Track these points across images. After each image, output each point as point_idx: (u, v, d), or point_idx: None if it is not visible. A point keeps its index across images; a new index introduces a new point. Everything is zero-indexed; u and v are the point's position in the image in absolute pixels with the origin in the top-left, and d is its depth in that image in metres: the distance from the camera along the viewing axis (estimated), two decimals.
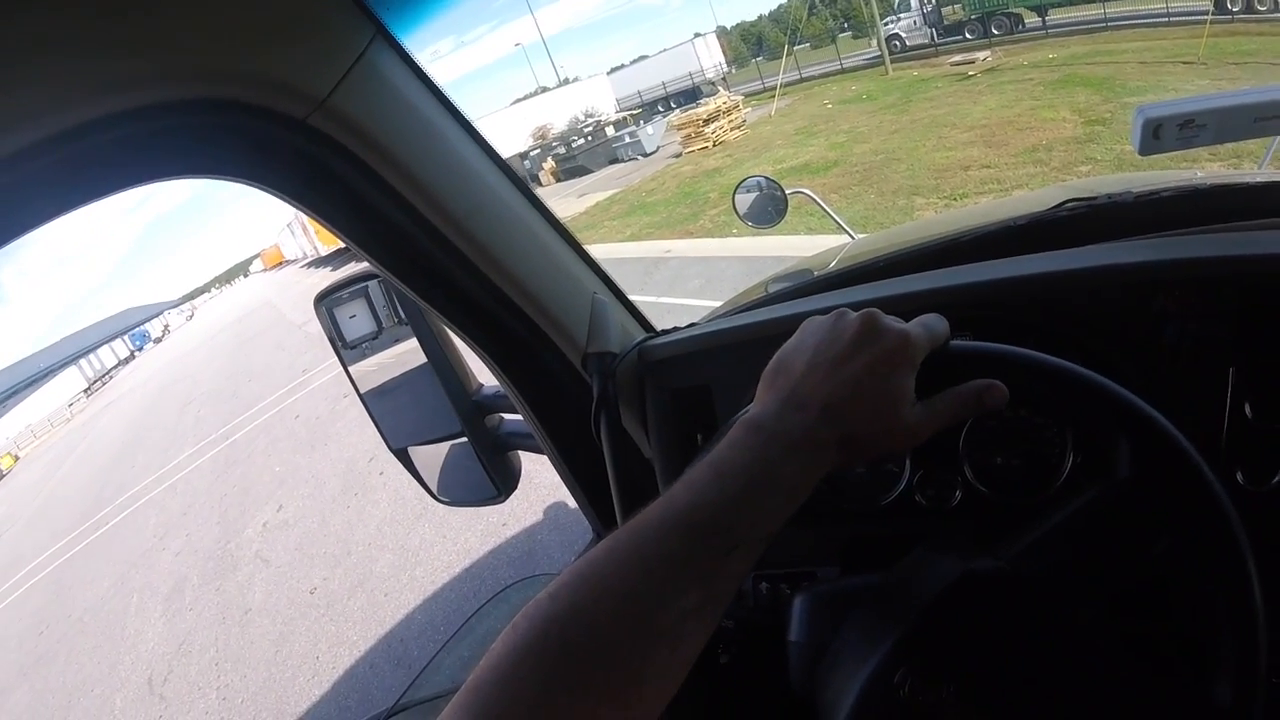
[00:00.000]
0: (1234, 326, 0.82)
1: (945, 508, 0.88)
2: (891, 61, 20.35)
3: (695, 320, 1.17)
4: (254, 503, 7.05)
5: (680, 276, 8.07)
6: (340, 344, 1.16)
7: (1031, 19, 20.44)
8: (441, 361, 1.09)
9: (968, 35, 21.28)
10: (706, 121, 17.13)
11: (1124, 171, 6.31)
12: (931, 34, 22.07)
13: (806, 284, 1.11)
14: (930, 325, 0.56)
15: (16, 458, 29.60)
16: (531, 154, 22.99)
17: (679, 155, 17.17)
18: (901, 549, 0.62)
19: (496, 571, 3.84)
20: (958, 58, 18.22)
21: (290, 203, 0.73)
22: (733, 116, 17.72)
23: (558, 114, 26.47)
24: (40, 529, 12.06)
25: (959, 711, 0.53)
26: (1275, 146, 1.74)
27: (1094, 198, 1.07)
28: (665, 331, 1.03)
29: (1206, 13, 15.07)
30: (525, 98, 31.69)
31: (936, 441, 0.79)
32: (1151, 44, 15.04)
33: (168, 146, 0.61)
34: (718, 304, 1.64)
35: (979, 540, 0.63)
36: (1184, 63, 12.70)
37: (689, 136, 17.15)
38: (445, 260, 0.83)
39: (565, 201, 16.24)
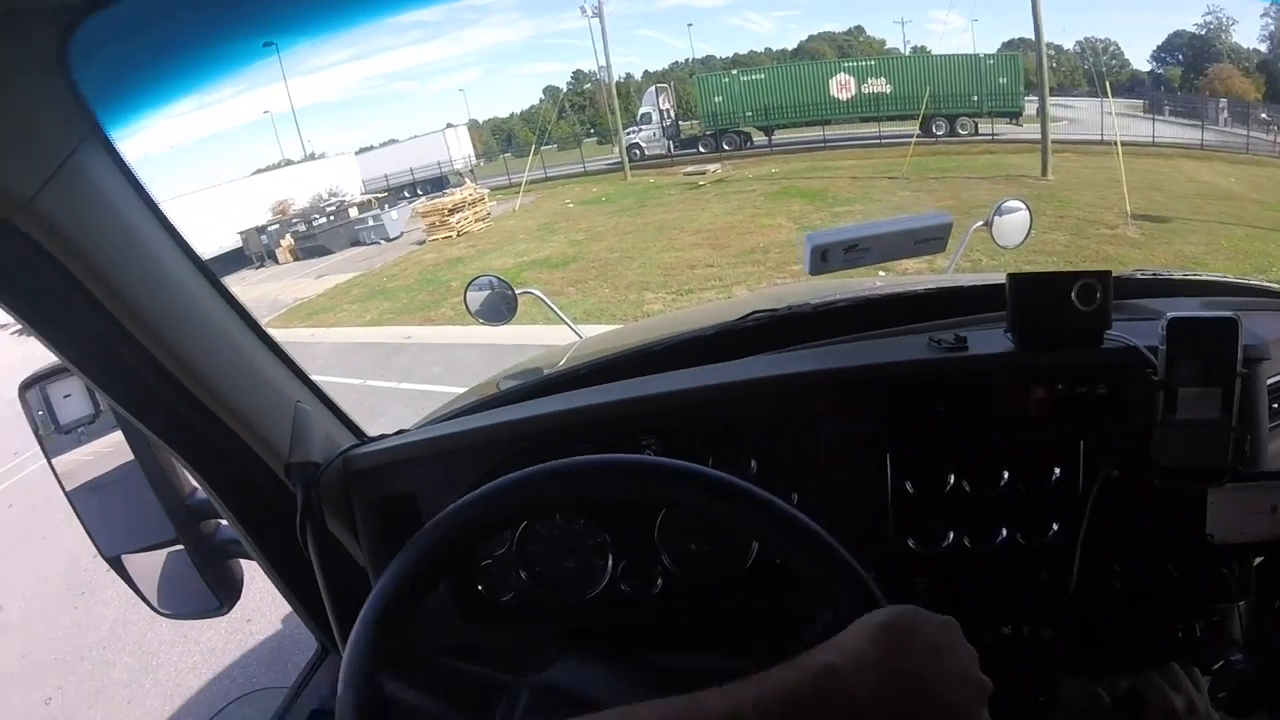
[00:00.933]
0: (885, 419, 0.94)
1: (649, 594, 0.95)
2: (631, 168, 22.12)
3: (435, 407, 1.26)
4: None
5: (420, 362, 8.05)
6: (51, 428, 1.07)
7: (759, 138, 23.49)
8: (151, 463, 1.04)
9: (701, 149, 23.85)
10: (452, 211, 17.38)
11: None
12: (669, 145, 24.31)
13: (532, 383, 1.19)
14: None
15: None
16: (269, 229, 21.47)
17: (422, 242, 17.15)
18: (615, 638, 0.70)
19: (246, 669, 3.60)
20: (690, 168, 20.16)
21: None
22: (478, 208, 18.13)
23: (301, 190, 25.12)
24: None
25: None
26: (957, 256, 2.00)
27: (776, 309, 1.18)
28: (374, 439, 1.04)
29: (913, 136, 18.16)
30: (269, 168, 29.74)
31: (634, 533, 0.93)
32: (863, 161, 17.60)
33: None
34: (457, 390, 1.75)
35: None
36: (890, 178, 14.85)
37: (434, 224, 17.22)
38: (145, 369, 0.81)
39: (302, 282, 15.41)
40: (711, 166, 19.92)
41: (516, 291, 1.88)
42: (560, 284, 10.68)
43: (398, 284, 13.13)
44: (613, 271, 10.98)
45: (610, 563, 0.94)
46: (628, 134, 24.97)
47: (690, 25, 42.86)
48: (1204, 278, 1.49)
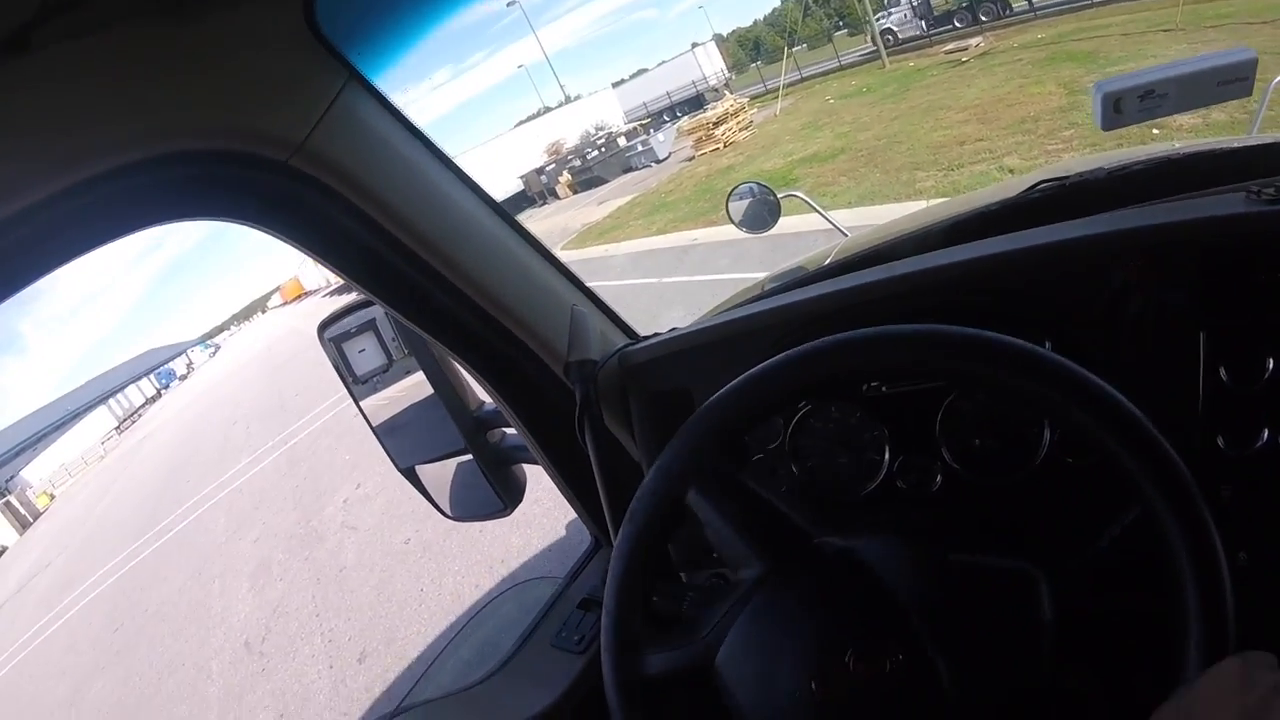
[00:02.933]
0: (1199, 291, 0.80)
1: (927, 493, 0.89)
2: (888, 55, 20.64)
3: (730, 294, 1.28)
4: (329, 486, 7.38)
5: (709, 258, 8.49)
6: (350, 380, 1.16)
7: (1019, 3, 20.72)
8: (442, 382, 1.10)
9: (957, 24, 21.62)
10: (715, 124, 17.55)
11: (1100, 142, 6.72)
12: (923, 25, 22.42)
13: (794, 280, 1.13)
14: None
15: (53, 495, 30.09)
16: (547, 169, 23.52)
17: (691, 159, 17.53)
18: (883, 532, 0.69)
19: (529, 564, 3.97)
20: (950, 46, 18.55)
21: (284, 239, 0.78)
22: (740, 118, 18.13)
23: (568, 130, 27.01)
24: (92, 551, 12.27)
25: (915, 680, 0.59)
26: (1263, 111, 1.73)
27: (1066, 177, 1.07)
28: (647, 337, 1.06)
29: None
30: (529, 119, 32.24)
31: (914, 426, 0.88)
32: (1134, 16, 15.26)
33: (169, 194, 0.68)
34: (750, 275, 1.80)
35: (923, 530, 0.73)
36: (1164, 31, 13.03)
37: (700, 140, 17.56)
38: (429, 285, 0.87)
39: (585, 210, 16.64)
40: (974, 41, 18.09)
41: (780, 196, 1.82)
42: (832, 175, 10.68)
43: (675, 197, 13.68)
44: (881, 157, 10.69)
45: (887, 457, 0.90)
46: (879, 19, 23.08)
47: None
48: None
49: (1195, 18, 13.19)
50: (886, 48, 21.28)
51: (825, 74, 23.77)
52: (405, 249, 0.83)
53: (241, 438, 13.67)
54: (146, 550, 9.79)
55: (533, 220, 18.35)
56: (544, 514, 3.81)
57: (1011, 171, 8.12)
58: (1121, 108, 1.00)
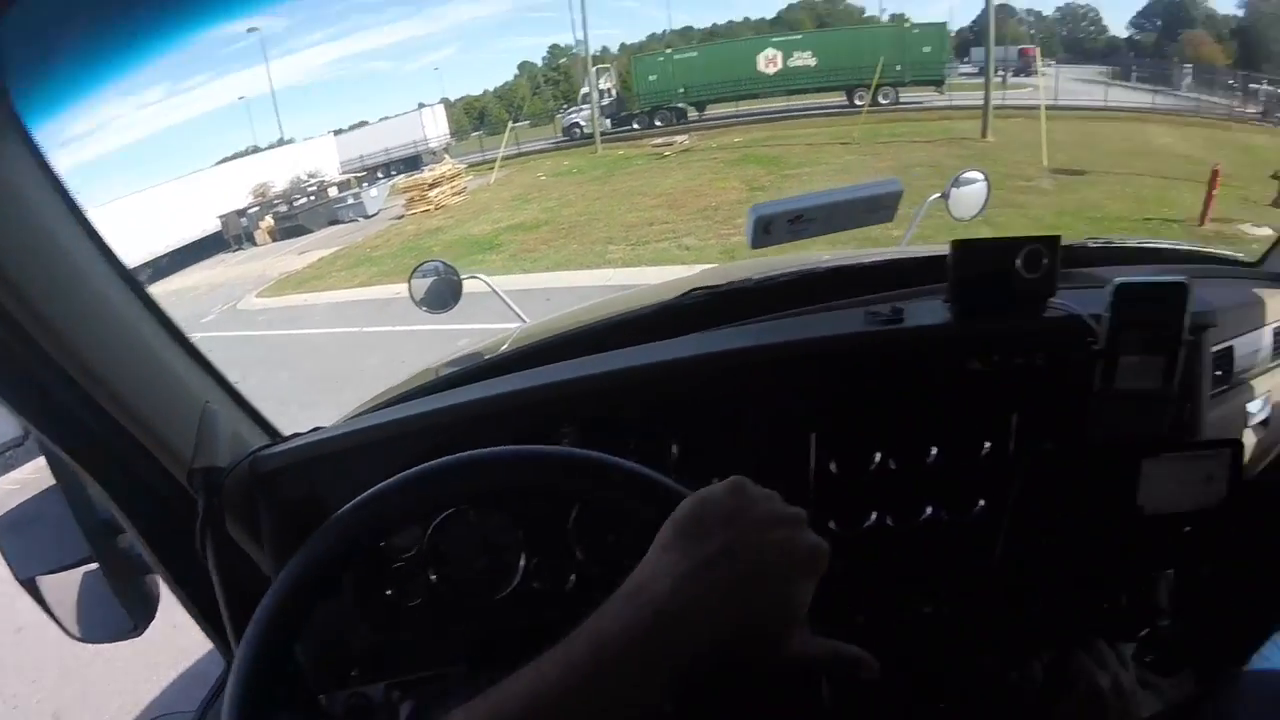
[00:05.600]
0: (814, 398, 0.91)
1: (560, 591, 0.90)
2: (602, 142, 22.68)
3: (425, 344, 1.51)
4: None
5: (412, 310, 8.48)
6: None
7: (692, 114, 24.76)
8: (68, 475, 0.96)
9: (636, 125, 25.18)
10: (431, 186, 17.99)
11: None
12: (608, 123, 25.22)
13: (462, 371, 1.13)
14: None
15: None
16: (249, 211, 21.95)
17: (402, 217, 17.81)
18: (525, 640, 0.61)
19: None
20: (659, 140, 20.93)
21: None
22: (455, 183, 18.75)
23: (279, 173, 25.55)
24: None
25: None
26: (915, 225, 1.92)
27: (718, 285, 1.14)
28: (287, 438, 0.99)
29: (859, 107, 19.53)
30: (236, 155, 29.96)
31: (549, 527, 0.90)
32: (820, 130, 18.60)
33: None
34: (452, 326, 1.80)
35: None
36: (841, 144, 15.95)
37: (413, 199, 17.92)
38: (39, 369, 0.74)
39: (285, 259, 15.81)
40: (679, 138, 20.67)
41: (462, 277, 1.79)
42: (534, 243, 11.71)
43: (382, 253, 13.93)
44: (581, 231, 11.99)
45: (523, 560, 0.90)
46: (568, 113, 26.21)
47: None
48: (1158, 245, 1.46)
49: (870, 135, 16.38)
50: (573, 140, 23.85)
51: (543, 151, 25.22)
52: (17, 328, 0.69)
53: None
54: None
55: (223, 266, 16.97)
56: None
57: (688, 249, 9.81)
58: (771, 229, 1.07)
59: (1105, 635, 0.97)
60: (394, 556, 0.90)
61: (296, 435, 0.99)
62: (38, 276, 0.68)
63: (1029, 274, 0.90)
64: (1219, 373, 1.12)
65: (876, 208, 1.13)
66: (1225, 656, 1.02)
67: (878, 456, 0.93)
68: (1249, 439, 1.20)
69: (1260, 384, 1.25)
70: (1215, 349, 1.09)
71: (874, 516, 0.94)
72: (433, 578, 0.91)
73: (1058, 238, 0.91)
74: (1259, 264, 1.41)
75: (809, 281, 1.16)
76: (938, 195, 1.83)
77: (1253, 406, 1.23)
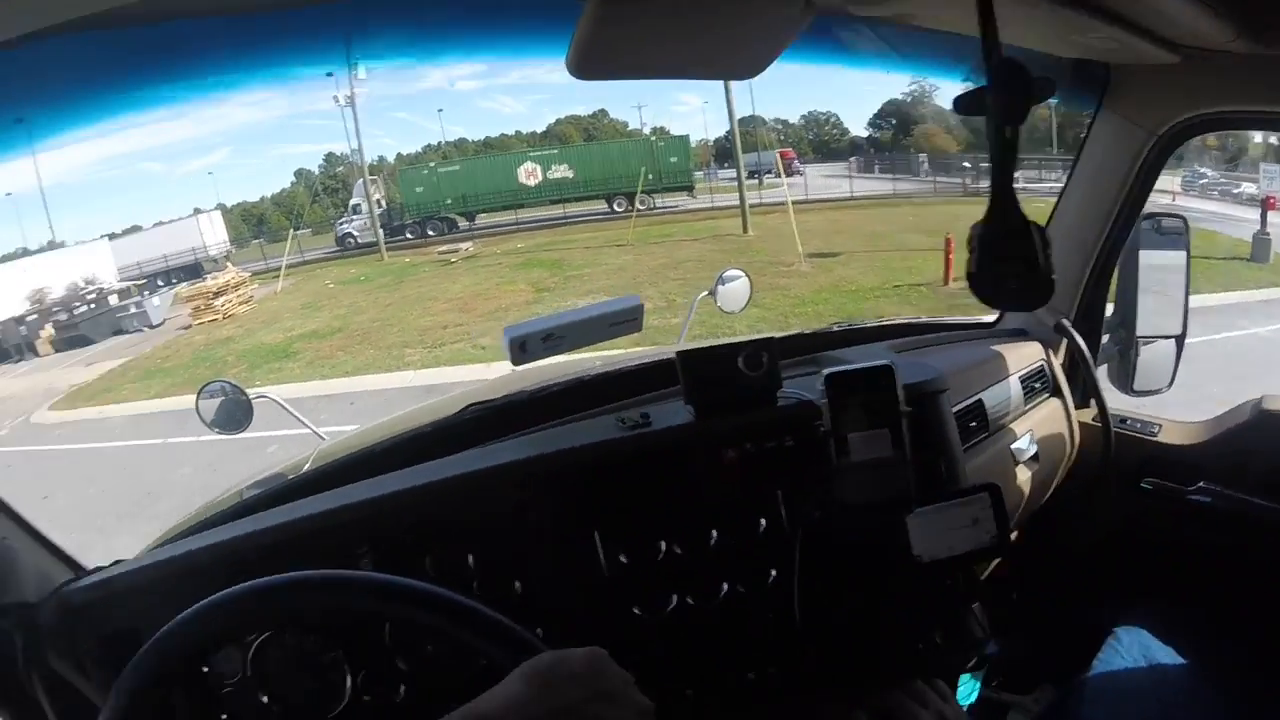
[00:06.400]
0: (587, 500, 0.98)
1: (392, 702, 0.91)
2: (387, 249, 23.37)
3: (237, 450, 1.93)
4: None
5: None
6: None
7: (464, 223, 26.24)
8: None
9: (409, 235, 26.23)
10: (216, 294, 17.65)
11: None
12: (381, 233, 25.30)
13: (266, 494, 1.15)
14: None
15: None
16: (28, 319, 20.11)
17: (189, 327, 17.26)
18: None
19: None
20: (444, 248, 21.81)
21: None
22: (241, 291, 18.47)
23: (54, 279, 24.21)
24: None
25: None
26: (688, 324, 2.06)
27: (493, 399, 1.25)
28: (91, 571, 0.98)
29: (620, 212, 21.31)
30: (3, 259, 27.68)
31: (368, 641, 0.92)
32: (596, 234, 20.20)
33: None
34: (256, 434, 1.84)
35: None
36: (617, 246, 17.40)
37: (199, 309, 17.43)
38: None
39: (71, 370, 15.16)
40: (464, 245, 21.68)
41: (251, 396, 1.77)
42: (330, 350, 12.01)
43: (173, 364, 13.70)
44: (376, 336, 12.46)
45: (348, 677, 0.90)
46: (340, 224, 26.19)
47: (440, 110, 44.78)
48: (901, 321, 1.60)
49: (643, 236, 17.91)
50: (347, 251, 24.00)
51: (327, 259, 25.28)
52: None
53: None
54: None
55: (7, 377, 15.96)
56: None
57: (484, 348, 10.13)
58: (526, 348, 1.12)
59: (931, 673, 1.02)
60: (219, 682, 0.88)
61: (99, 569, 0.98)
62: None
63: (751, 372, 1.00)
64: (974, 424, 1.23)
65: (621, 321, 1.19)
66: (1070, 666, 1.12)
67: (663, 545, 0.99)
68: (1024, 474, 1.32)
69: (1020, 425, 1.35)
70: (964, 404, 1.20)
71: (675, 599, 0.99)
72: (264, 699, 0.89)
73: (771, 338, 1.02)
74: (996, 324, 1.57)
75: (577, 390, 1.26)
76: (705, 293, 1.94)
77: (1018, 446, 1.32)
